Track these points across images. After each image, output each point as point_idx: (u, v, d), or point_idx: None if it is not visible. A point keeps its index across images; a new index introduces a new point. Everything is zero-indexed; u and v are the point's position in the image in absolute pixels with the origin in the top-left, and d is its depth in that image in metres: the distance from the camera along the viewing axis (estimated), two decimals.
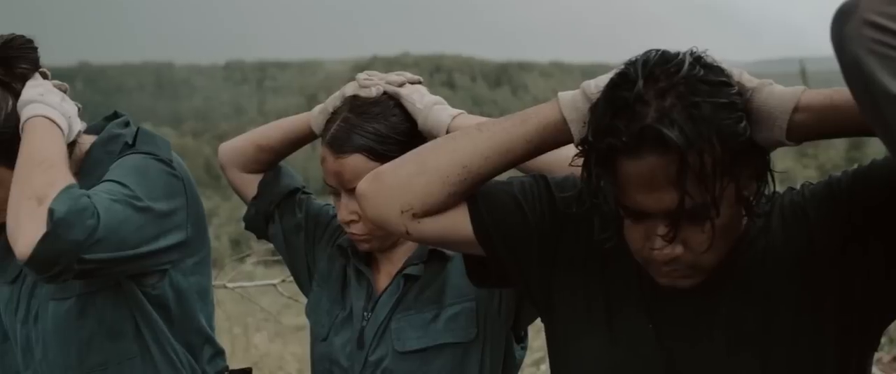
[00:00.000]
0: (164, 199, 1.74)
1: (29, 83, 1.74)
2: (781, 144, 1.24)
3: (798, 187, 1.37)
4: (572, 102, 1.33)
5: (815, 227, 1.29)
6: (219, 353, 1.99)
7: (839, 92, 1.17)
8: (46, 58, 1.80)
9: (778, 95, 1.22)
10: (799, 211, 1.31)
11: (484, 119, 1.63)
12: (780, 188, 1.34)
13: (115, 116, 1.93)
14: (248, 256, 5.95)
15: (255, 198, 1.95)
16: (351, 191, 1.71)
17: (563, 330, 1.45)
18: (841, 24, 1.06)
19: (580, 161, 1.27)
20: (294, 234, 1.95)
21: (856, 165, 1.32)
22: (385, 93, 1.76)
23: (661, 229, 1.22)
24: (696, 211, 1.19)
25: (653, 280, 1.33)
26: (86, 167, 1.81)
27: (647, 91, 1.16)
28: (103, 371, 1.81)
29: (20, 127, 1.68)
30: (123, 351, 1.81)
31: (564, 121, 1.33)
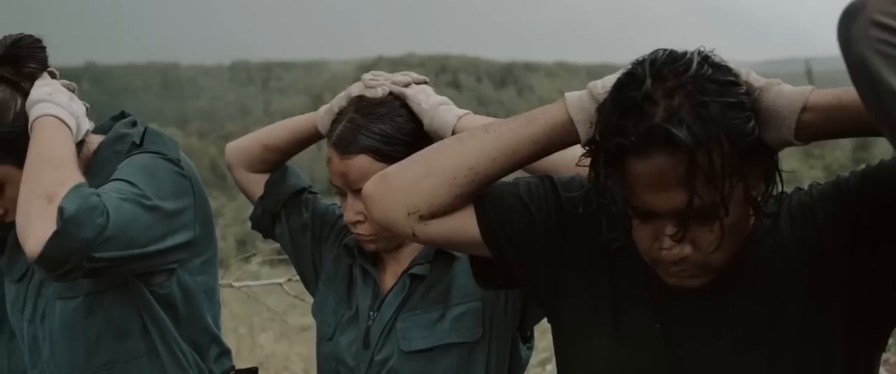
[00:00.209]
0: (172, 198, 1.75)
1: (37, 83, 1.75)
2: (790, 144, 1.24)
3: (806, 187, 1.37)
4: (579, 103, 1.33)
5: (824, 227, 1.29)
6: (225, 352, 1.99)
7: (847, 92, 1.17)
8: (52, 58, 1.81)
9: (786, 94, 1.22)
10: (807, 211, 1.31)
11: (490, 120, 1.63)
12: (786, 188, 1.34)
13: (123, 115, 1.93)
14: (253, 256, 5.96)
15: (261, 197, 1.95)
16: (357, 191, 1.71)
17: (569, 331, 1.45)
18: (847, 25, 1.06)
19: (587, 161, 1.27)
20: (300, 233, 1.95)
21: (864, 166, 1.32)
22: (391, 93, 1.76)
23: (670, 229, 1.22)
24: (704, 211, 1.18)
25: (660, 280, 1.33)
26: (94, 167, 1.81)
27: (655, 90, 1.16)
28: (110, 370, 1.81)
29: (29, 126, 1.69)
30: (130, 350, 1.82)
31: (571, 121, 1.33)
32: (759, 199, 1.25)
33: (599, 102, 1.27)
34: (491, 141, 1.37)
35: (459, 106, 1.74)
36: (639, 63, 1.22)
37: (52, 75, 1.80)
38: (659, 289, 1.35)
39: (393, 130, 1.71)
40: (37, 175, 1.60)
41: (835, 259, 1.27)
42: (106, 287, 1.78)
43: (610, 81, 1.28)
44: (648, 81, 1.17)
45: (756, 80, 1.24)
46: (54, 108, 1.70)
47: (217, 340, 1.96)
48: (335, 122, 1.76)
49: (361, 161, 1.69)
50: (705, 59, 1.21)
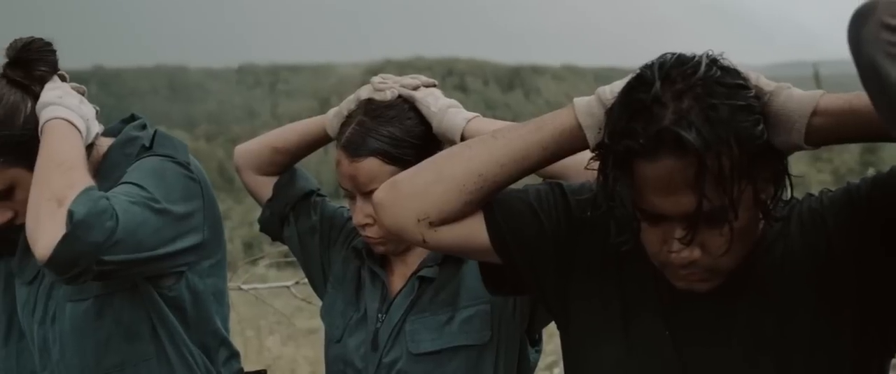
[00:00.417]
0: (181, 201, 1.75)
1: (47, 86, 1.76)
2: (799, 148, 1.23)
3: (816, 193, 1.37)
4: (588, 108, 1.33)
5: (834, 234, 1.28)
6: (234, 355, 2.00)
7: (858, 96, 1.16)
8: (61, 61, 1.81)
9: (796, 98, 1.22)
10: (817, 218, 1.31)
11: (500, 123, 1.63)
12: (794, 192, 1.33)
13: (133, 118, 1.94)
14: (260, 259, 5.96)
15: (270, 200, 1.96)
16: (366, 194, 1.71)
17: (579, 337, 1.45)
18: (858, 27, 1.06)
19: (596, 165, 1.27)
20: (309, 236, 1.95)
21: (872, 171, 1.31)
22: (400, 96, 1.76)
23: (679, 232, 1.22)
24: (713, 214, 1.18)
25: (670, 285, 1.32)
26: (103, 169, 1.82)
27: (664, 93, 1.16)
28: (120, 372, 1.82)
29: (39, 129, 1.70)
30: (140, 352, 1.82)
31: (580, 127, 1.33)
32: (769, 202, 1.25)
33: (608, 107, 1.27)
34: (500, 147, 1.37)
35: (467, 109, 1.74)
36: (648, 66, 1.22)
37: (62, 78, 1.81)
38: (668, 293, 1.34)
39: (402, 132, 1.71)
40: (47, 178, 1.60)
41: (845, 266, 1.27)
42: (115, 290, 1.79)
43: (618, 86, 1.28)
44: (657, 84, 1.17)
45: (766, 84, 1.24)
46: (64, 111, 1.71)
47: (226, 342, 1.96)
48: (344, 125, 1.77)
49: (370, 164, 1.70)
50: (714, 62, 1.21)
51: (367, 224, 1.74)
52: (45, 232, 1.53)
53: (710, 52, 1.22)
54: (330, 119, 1.82)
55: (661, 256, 1.27)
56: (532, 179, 1.50)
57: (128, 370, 1.82)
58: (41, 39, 1.79)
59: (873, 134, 1.20)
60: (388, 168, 1.68)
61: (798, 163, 1.28)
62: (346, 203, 1.84)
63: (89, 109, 1.79)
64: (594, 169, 1.27)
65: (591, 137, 1.32)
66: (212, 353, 1.92)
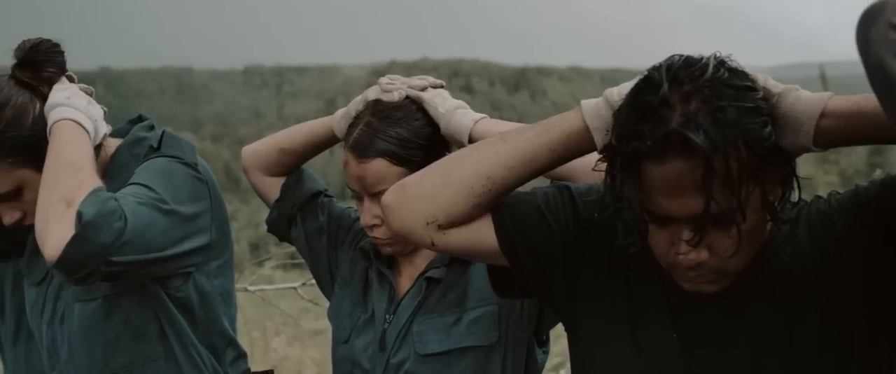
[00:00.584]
0: (189, 202, 1.76)
1: (56, 87, 1.76)
2: (808, 150, 1.23)
3: (825, 195, 1.36)
4: (595, 110, 1.33)
5: (842, 236, 1.28)
6: (241, 356, 2.00)
7: (867, 99, 1.16)
8: (67, 63, 1.82)
9: (805, 100, 1.22)
10: (826, 221, 1.31)
11: (507, 124, 1.63)
12: (801, 194, 1.33)
13: (140, 119, 1.94)
14: (267, 260, 5.97)
15: (277, 201, 1.96)
16: (373, 195, 1.71)
17: (586, 339, 1.44)
18: (866, 28, 1.05)
19: (603, 167, 1.27)
20: (316, 237, 1.95)
21: (880, 172, 1.31)
22: (407, 97, 1.76)
23: (687, 234, 1.22)
24: (721, 216, 1.18)
25: (677, 287, 1.32)
26: (111, 170, 1.82)
27: (672, 95, 1.16)
28: (128, 372, 1.82)
29: (48, 130, 1.70)
30: (148, 352, 1.83)
31: (587, 129, 1.33)
32: (776, 204, 1.25)
33: (616, 108, 1.27)
34: (508, 150, 1.37)
35: (472, 110, 1.75)
36: (655, 68, 1.22)
37: (71, 79, 1.81)
38: (675, 295, 1.34)
39: (409, 133, 1.72)
40: (55, 179, 1.61)
41: (853, 268, 1.27)
42: (124, 290, 1.79)
43: (626, 88, 1.28)
44: (665, 86, 1.17)
45: (774, 85, 1.24)
46: (72, 112, 1.71)
47: (233, 343, 1.97)
48: (352, 125, 1.77)
49: (378, 165, 1.70)
50: (722, 64, 1.21)
51: (374, 225, 1.75)
52: (54, 233, 1.54)
53: (718, 54, 1.22)
54: (338, 120, 1.82)
55: (668, 257, 1.27)
56: (540, 182, 1.50)
57: (136, 370, 1.82)
58: (49, 41, 1.79)
59: (882, 136, 1.20)
60: (396, 169, 1.68)
61: (805, 165, 1.27)
62: (353, 204, 1.84)
63: (97, 110, 1.79)
64: (602, 171, 1.27)
65: (599, 139, 1.32)
66: (219, 353, 1.93)
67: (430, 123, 1.74)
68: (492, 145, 1.39)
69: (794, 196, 1.28)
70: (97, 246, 1.53)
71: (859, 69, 1.07)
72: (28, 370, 2.02)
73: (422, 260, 1.82)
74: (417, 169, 1.50)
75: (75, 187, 1.57)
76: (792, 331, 1.29)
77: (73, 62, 1.82)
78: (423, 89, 1.77)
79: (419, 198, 1.40)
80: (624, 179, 1.21)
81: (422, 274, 1.79)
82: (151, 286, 1.80)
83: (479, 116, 1.72)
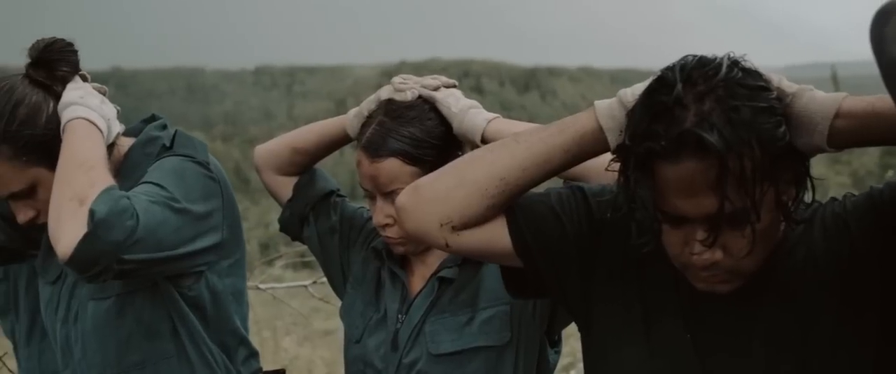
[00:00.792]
0: (201, 201, 1.76)
1: (69, 86, 1.77)
2: (822, 151, 1.23)
3: (838, 197, 1.36)
4: (609, 111, 1.33)
5: (857, 237, 1.28)
6: (253, 354, 2.00)
7: (882, 99, 1.16)
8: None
9: (819, 100, 1.21)
10: (840, 222, 1.30)
11: (520, 124, 1.63)
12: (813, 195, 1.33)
13: (153, 118, 1.95)
14: (277, 259, 5.98)
15: (290, 200, 1.96)
16: (386, 195, 1.71)
17: (601, 340, 1.44)
18: (881, 26, 1.05)
19: (616, 167, 1.27)
20: (328, 236, 1.95)
21: (892, 173, 1.31)
22: (420, 97, 1.76)
23: (701, 234, 1.21)
24: (735, 216, 1.18)
25: (691, 288, 1.32)
26: (124, 169, 1.83)
27: (686, 95, 1.16)
28: (141, 370, 1.83)
29: (61, 129, 1.71)
30: (160, 351, 1.83)
31: (601, 129, 1.33)
32: (790, 205, 1.24)
33: (629, 109, 1.27)
34: (522, 151, 1.37)
35: None
36: (669, 68, 1.21)
37: (84, 79, 1.82)
38: (689, 295, 1.34)
39: (422, 133, 1.71)
40: (68, 178, 1.61)
41: (868, 270, 1.26)
42: (136, 289, 1.80)
43: (639, 88, 1.28)
44: (679, 86, 1.17)
45: (788, 86, 1.23)
46: (86, 111, 1.72)
47: (245, 341, 1.97)
48: (365, 125, 1.77)
49: (391, 164, 1.70)
50: (735, 64, 1.20)
51: (386, 224, 1.75)
52: (67, 231, 1.54)
53: (732, 54, 1.22)
54: (350, 119, 1.82)
55: (682, 257, 1.27)
56: (552, 182, 1.50)
57: (148, 368, 1.83)
58: (63, 40, 1.80)
59: None
60: (409, 169, 1.68)
61: (817, 166, 1.27)
62: (367, 203, 1.84)
63: (110, 109, 1.80)
64: (615, 171, 1.27)
65: (613, 139, 1.31)
66: (231, 352, 1.93)
67: (443, 122, 1.74)
68: (505, 147, 1.39)
69: (808, 197, 1.28)
70: (109, 244, 1.54)
71: (871, 69, 1.07)
72: (42, 368, 2.03)
73: (434, 260, 1.82)
74: (430, 168, 1.50)
75: (88, 185, 1.58)
76: (806, 332, 1.29)
77: (85, 62, 1.83)
78: (436, 89, 1.77)
79: (433, 199, 1.40)
80: (638, 179, 1.20)
81: (434, 274, 1.79)
82: (164, 285, 1.80)
83: (491, 115, 1.71)
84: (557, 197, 1.43)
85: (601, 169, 1.36)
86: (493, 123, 1.68)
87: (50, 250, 1.64)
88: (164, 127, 1.91)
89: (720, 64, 1.19)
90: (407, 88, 1.76)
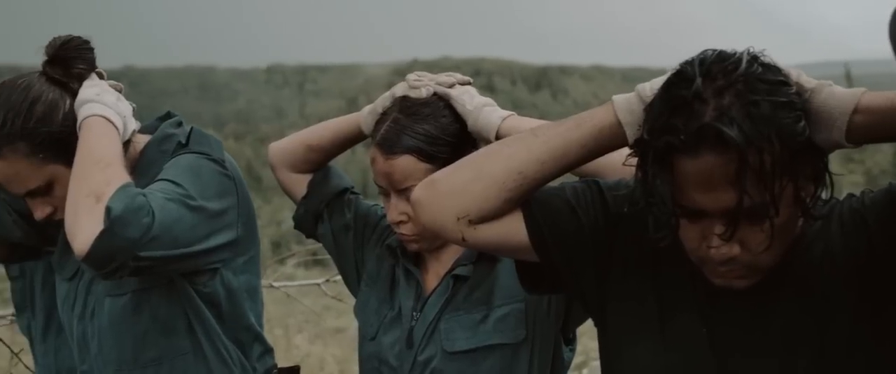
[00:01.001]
0: (216, 198, 1.77)
1: (86, 83, 1.77)
2: (840, 146, 1.22)
3: (856, 194, 1.35)
4: (627, 105, 1.32)
5: (875, 233, 1.27)
6: (268, 351, 2.01)
7: None
8: None
9: (838, 96, 1.21)
10: (858, 218, 1.30)
11: (535, 122, 1.63)
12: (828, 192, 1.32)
13: (169, 116, 1.96)
14: (289, 257, 5.98)
15: (304, 197, 1.96)
16: (400, 191, 1.71)
17: (616, 335, 1.44)
18: None
19: (633, 161, 1.26)
20: (343, 234, 1.96)
21: None
22: (435, 94, 1.76)
23: (719, 229, 1.21)
24: (754, 210, 1.17)
25: (707, 283, 1.31)
26: (140, 166, 1.84)
27: (705, 89, 1.16)
28: (157, 366, 1.84)
29: (78, 126, 1.71)
30: (176, 347, 1.84)
31: (619, 124, 1.33)
32: (808, 200, 1.24)
33: (647, 103, 1.26)
34: (539, 145, 1.37)
35: None
36: (688, 62, 1.21)
37: (100, 76, 1.83)
38: (705, 291, 1.34)
39: (437, 130, 1.71)
40: (85, 175, 1.62)
41: (886, 266, 1.26)
42: (153, 285, 1.81)
43: (658, 83, 1.27)
44: (698, 80, 1.16)
45: (807, 81, 1.23)
46: (102, 108, 1.72)
47: (260, 338, 1.98)
48: (379, 122, 1.77)
49: (405, 161, 1.70)
50: (755, 59, 1.20)
51: (401, 222, 1.74)
52: (83, 228, 1.55)
53: (751, 49, 1.21)
54: (365, 116, 1.82)
55: (699, 252, 1.27)
56: (566, 179, 1.50)
57: (164, 364, 1.84)
58: (79, 37, 1.80)
59: None
60: (423, 166, 1.68)
61: (830, 164, 1.27)
62: (381, 200, 1.84)
63: (126, 106, 1.81)
64: (632, 165, 1.26)
65: (631, 134, 1.31)
66: (246, 348, 1.94)
67: (458, 119, 1.74)
68: (523, 141, 1.39)
69: (827, 193, 1.27)
70: (125, 241, 1.54)
71: (886, 68, 1.07)
72: (58, 364, 2.04)
73: (448, 257, 1.82)
74: (444, 166, 1.50)
75: (104, 182, 1.58)
76: (823, 328, 1.28)
77: (98, 61, 1.84)
78: (451, 86, 1.77)
79: (450, 193, 1.40)
80: (656, 173, 1.20)
81: (449, 272, 1.79)
82: (179, 282, 1.81)
83: (506, 113, 1.71)
84: (573, 191, 1.43)
85: (616, 164, 1.35)
86: (508, 121, 1.68)
87: (66, 246, 1.65)
88: (180, 124, 1.92)
89: (740, 58, 1.19)
90: (422, 85, 1.76)
